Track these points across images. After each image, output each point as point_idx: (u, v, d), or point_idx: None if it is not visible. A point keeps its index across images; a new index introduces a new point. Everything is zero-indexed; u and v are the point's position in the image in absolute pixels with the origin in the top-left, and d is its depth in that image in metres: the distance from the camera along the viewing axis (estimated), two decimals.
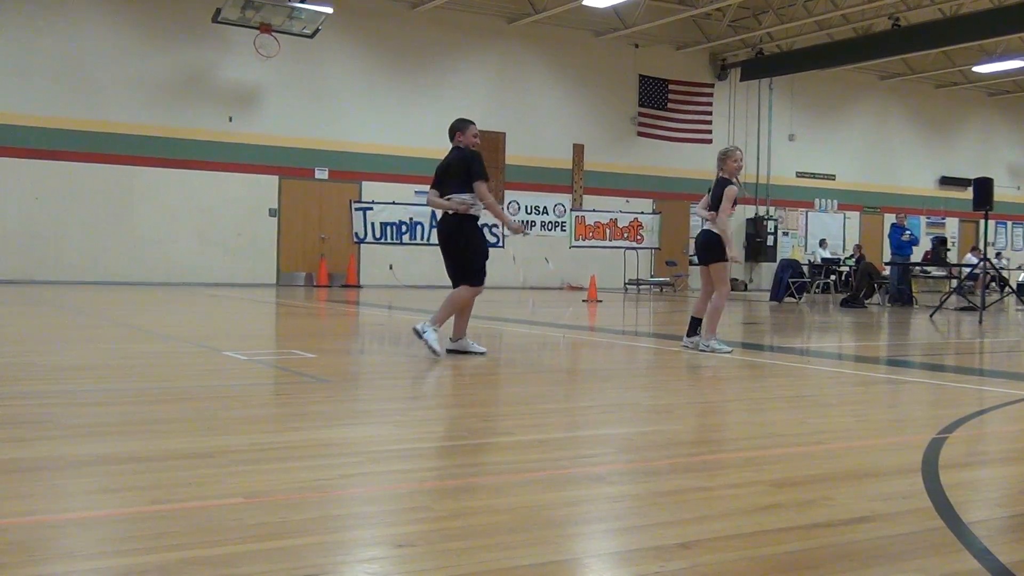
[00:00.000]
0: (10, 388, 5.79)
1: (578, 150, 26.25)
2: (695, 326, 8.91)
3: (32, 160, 20.20)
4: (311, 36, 21.28)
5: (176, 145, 21.46)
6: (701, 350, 8.65)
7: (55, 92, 20.40)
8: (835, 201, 31.02)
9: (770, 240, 28.84)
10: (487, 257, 7.89)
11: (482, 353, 7.89)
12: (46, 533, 2.86)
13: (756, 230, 28.97)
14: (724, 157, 8.88)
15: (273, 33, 20.87)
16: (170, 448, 4.06)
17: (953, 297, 18.64)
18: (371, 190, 23.11)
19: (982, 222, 17.44)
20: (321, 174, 23.09)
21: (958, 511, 3.28)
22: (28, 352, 7.95)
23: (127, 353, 8.07)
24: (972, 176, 21.22)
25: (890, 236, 21.38)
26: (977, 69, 29.51)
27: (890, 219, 25.80)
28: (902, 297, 20.06)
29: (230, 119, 22.00)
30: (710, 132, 27.93)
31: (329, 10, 20.73)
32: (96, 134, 20.75)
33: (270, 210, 22.54)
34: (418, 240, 22.30)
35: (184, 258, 21.58)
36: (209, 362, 7.52)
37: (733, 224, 8.71)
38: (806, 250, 29.25)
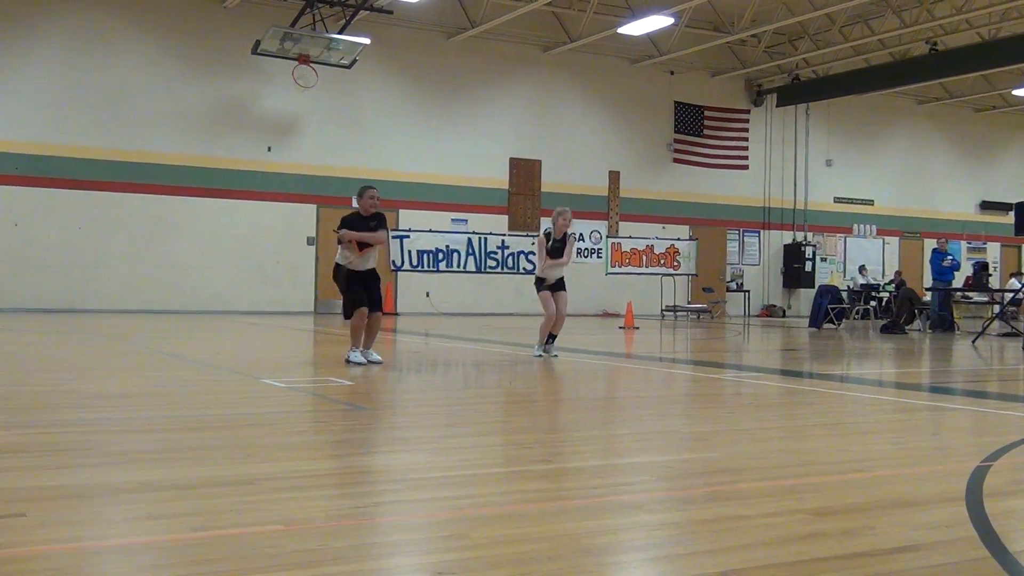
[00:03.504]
0: (52, 416, 5.86)
1: (614, 177, 26.25)
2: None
3: (73, 191, 20.49)
4: (348, 67, 21.50)
5: (216, 175, 21.72)
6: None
7: (96, 124, 20.71)
8: (874, 226, 30.76)
9: (808, 266, 28.61)
10: (349, 295, 9.60)
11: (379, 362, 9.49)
12: (88, 560, 2.89)
13: (794, 256, 28.76)
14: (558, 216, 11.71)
15: (311, 64, 21.09)
16: (209, 475, 4.09)
17: (995, 323, 18.39)
18: (408, 218, 23.23)
19: None
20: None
21: (1003, 540, 3.23)
22: (69, 380, 8.04)
23: (166, 381, 8.14)
24: (1013, 200, 20.95)
25: (931, 261, 21.15)
26: (1017, 92, 29.25)
27: (930, 244, 25.55)
28: (943, 323, 19.82)
29: (269, 149, 22.24)
30: (746, 158, 27.86)
31: (366, 41, 20.94)
32: (137, 164, 21.03)
33: (308, 238, 22.72)
34: (455, 268, 22.35)
35: (222, 286, 21.78)
36: (247, 390, 7.57)
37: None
38: (845, 276, 28.99)
